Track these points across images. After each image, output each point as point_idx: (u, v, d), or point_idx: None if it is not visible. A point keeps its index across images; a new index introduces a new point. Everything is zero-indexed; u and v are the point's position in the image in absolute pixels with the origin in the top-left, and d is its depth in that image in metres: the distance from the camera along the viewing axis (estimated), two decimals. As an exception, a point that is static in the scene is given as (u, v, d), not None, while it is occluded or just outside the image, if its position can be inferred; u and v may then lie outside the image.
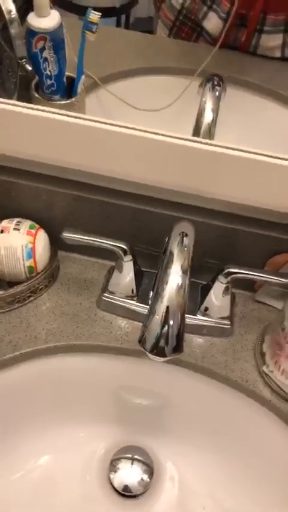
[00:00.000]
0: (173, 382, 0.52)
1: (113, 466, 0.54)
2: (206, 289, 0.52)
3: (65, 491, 0.52)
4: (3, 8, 0.45)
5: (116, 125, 0.45)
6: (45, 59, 0.47)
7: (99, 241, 0.49)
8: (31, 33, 0.45)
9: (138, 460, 0.54)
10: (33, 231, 0.53)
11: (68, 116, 0.46)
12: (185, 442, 0.55)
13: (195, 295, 0.53)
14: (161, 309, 0.39)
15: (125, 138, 0.45)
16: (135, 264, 0.51)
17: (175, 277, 0.40)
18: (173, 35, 0.58)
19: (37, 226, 0.54)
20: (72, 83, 0.50)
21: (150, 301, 0.51)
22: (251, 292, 0.56)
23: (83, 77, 0.50)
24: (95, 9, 0.46)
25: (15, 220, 0.53)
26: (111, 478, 0.53)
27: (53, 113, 0.46)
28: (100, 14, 0.46)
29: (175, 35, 0.58)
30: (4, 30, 0.46)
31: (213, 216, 0.51)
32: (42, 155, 0.49)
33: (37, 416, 0.54)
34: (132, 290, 0.52)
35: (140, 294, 0.53)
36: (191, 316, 0.52)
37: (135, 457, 0.54)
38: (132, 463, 0.54)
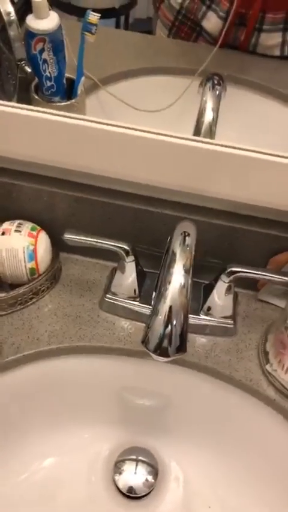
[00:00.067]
0: (176, 382, 0.52)
1: (117, 467, 0.53)
2: (208, 289, 0.51)
3: (70, 493, 0.52)
4: (1, 10, 0.45)
5: (116, 126, 0.45)
6: (45, 61, 0.47)
7: (101, 242, 0.49)
8: (30, 35, 0.45)
9: (143, 461, 0.54)
10: (34, 232, 0.53)
11: (68, 117, 0.46)
12: (189, 442, 0.55)
13: (198, 294, 0.53)
14: (164, 309, 0.39)
15: (125, 138, 0.45)
16: (137, 264, 0.51)
17: (178, 277, 0.40)
18: (172, 35, 0.58)
19: (38, 228, 0.54)
20: (72, 85, 0.50)
21: (153, 302, 0.51)
22: (253, 291, 0.55)
23: (82, 78, 0.50)
24: (94, 10, 0.46)
25: (17, 222, 0.53)
26: (115, 480, 0.53)
27: (53, 114, 0.46)
28: (99, 15, 0.46)
29: (174, 35, 0.58)
30: (3, 32, 0.46)
31: (215, 215, 0.51)
32: (42, 157, 0.49)
33: (41, 418, 0.54)
34: (135, 291, 0.52)
35: (142, 295, 0.53)
36: (194, 316, 0.52)
37: (140, 458, 0.54)
38: (136, 464, 0.53)
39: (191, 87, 0.53)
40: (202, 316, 0.52)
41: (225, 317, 0.52)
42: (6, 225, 0.53)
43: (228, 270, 0.48)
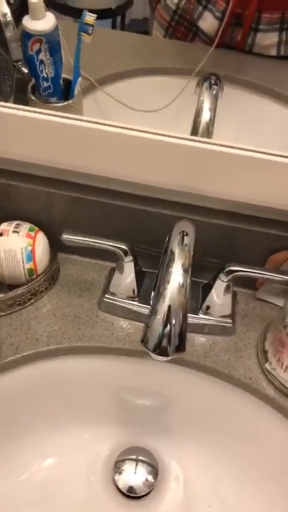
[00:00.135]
0: (176, 382, 0.52)
1: (117, 467, 0.53)
2: (207, 288, 0.51)
3: (69, 493, 0.52)
4: (-2, 11, 0.45)
5: (114, 126, 0.45)
6: (42, 62, 0.47)
7: (99, 243, 0.49)
8: (26, 36, 0.45)
9: (143, 461, 0.54)
10: (32, 233, 0.53)
11: (66, 117, 0.46)
12: (189, 441, 0.55)
13: (197, 294, 0.53)
14: (162, 308, 0.39)
15: (123, 138, 0.45)
16: (136, 264, 0.51)
17: (176, 277, 0.40)
18: (168, 35, 0.58)
19: (36, 228, 0.54)
20: (69, 85, 0.50)
21: (151, 301, 0.51)
22: (252, 290, 0.56)
23: (79, 78, 0.50)
24: (90, 11, 0.46)
25: (14, 223, 0.53)
26: (115, 479, 0.53)
27: (50, 115, 0.46)
28: (96, 15, 0.46)
29: (171, 36, 0.58)
30: None
31: (213, 214, 0.51)
32: (40, 157, 0.49)
33: (40, 418, 0.54)
34: (134, 291, 0.52)
35: (141, 295, 0.53)
36: (193, 315, 0.52)
37: (140, 457, 0.54)
38: (136, 464, 0.53)
39: (187, 87, 0.53)
40: (201, 316, 0.52)
41: (224, 316, 0.52)
42: (4, 226, 0.53)
43: (227, 269, 0.49)
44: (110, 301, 0.53)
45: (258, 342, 0.52)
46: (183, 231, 0.42)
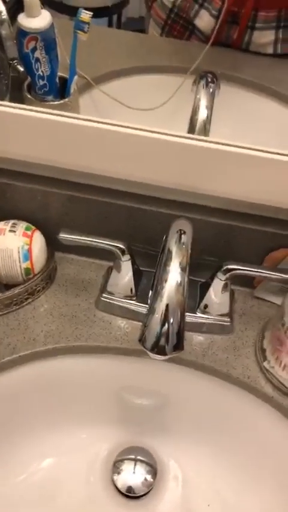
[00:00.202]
0: (174, 381, 0.52)
1: (116, 467, 0.53)
2: (205, 287, 0.51)
3: (69, 493, 0.52)
4: (-7, 9, 0.45)
5: (110, 124, 0.45)
6: (37, 60, 0.47)
7: (97, 241, 0.48)
8: (22, 34, 0.45)
9: (141, 461, 0.54)
10: (29, 232, 0.53)
11: (62, 115, 0.46)
12: (187, 440, 0.55)
13: (195, 293, 0.53)
14: (160, 307, 0.39)
15: (119, 136, 0.45)
16: (133, 263, 0.51)
17: (174, 275, 0.40)
18: (165, 33, 0.58)
19: (33, 227, 0.54)
20: (65, 84, 0.50)
21: (149, 300, 0.51)
22: (250, 288, 0.55)
23: (75, 77, 0.50)
24: (86, 9, 0.46)
25: (11, 222, 0.53)
26: (114, 479, 0.53)
27: (46, 113, 0.46)
28: (91, 13, 0.45)
29: (167, 34, 0.58)
30: (-5, 31, 0.46)
31: (210, 213, 0.51)
32: (36, 156, 0.49)
33: (38, 419, 0.53)
34: (131, 290, 0.52)
35: (138, 294, 0.53)
36: (191, 314, 0.51)
37: (138, 457, 0.54)
38: (135, 464, 0.53)
39: (184, 85, 0.53)
40: (199, 314, 0.52)
41: (222, 315, 0.52)
42: (0, 225, 0.53)
43: (225, 267, 0.48)
44: (108, 300, 0.53)
45: (257, 341, 0.52)
46: (180, 230, 0.42)
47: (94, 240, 0.48)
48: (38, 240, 0.53)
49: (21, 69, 0.47)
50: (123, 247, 0.49)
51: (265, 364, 0.49)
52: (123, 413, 0.55)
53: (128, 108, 0.53)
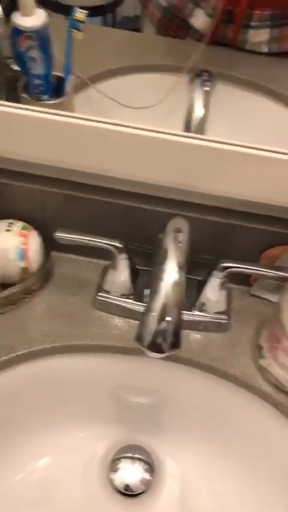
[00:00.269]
0: (171, 379, 0.52)
1: (113, 465, 0.53)
2: (201, 285, 0.51)
3: (66, 492, 0.52)
4: (-12, 8, 0.44)
5: (107, 123, 0.45)
6: (32, 59, 0.47)
7: (93, 240, 0.49)
8: (17, 32, 0.45)
9: (139, 459, 0.54)
10: (25, 231, 0.52)
11: (58, 114, 0.45)
12: (185, 438, 0.55)
13: (191, 291, 0.53)
14: (157, 305, 0.39)
15: (117, 135, 0.45)
16: (130, 262, 0.51)
17: (171, 274, 0.40)
18: (160, 32, 0.58)
19: (29, 227, 0.54)
20: (60, 83, 0.50)
21: (146, 299, 0.51)
22: (246, 286, 0.56)
23: (71, 76, 0.50)
24: (81, 8, 0.46)
25: (7, 221, 0.53)
26: (112, 478, 0.53)
27: (42, 112, 0.46)
28: (86, 12, 0.45)
29: (163, 33, 0.58)
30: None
31: (206, 211, 0.51)
32: (33, 155, 0.49)
33: (35, 418, 0.53)
34: (128, 288, 0.52)
35: (136, 292, 0.53)
36: (188, 312, 0.52)
37: (136, 455, 0.54)
38: (132, 462, 0.53)
39: (180, 84, 0.53)
40: (196, 312, 0.52)
41: (218, 313, 0.52)
42: (-4, 224, 0.53)
43: (221, 265, 0.49)
44: (105, 299, 0.53)
45: (253, 338, 0.52)
46: (177, 228, 0.42)
47: (91, 239, 0.48)
48: (35, 240, 0.53)
49: (17, 68, 0.47)
50: (120, 246, 0.49)
51: (262, 361, 0.50)
52: (120, 411, 0.55)
53: (123, 106, 0.53)
